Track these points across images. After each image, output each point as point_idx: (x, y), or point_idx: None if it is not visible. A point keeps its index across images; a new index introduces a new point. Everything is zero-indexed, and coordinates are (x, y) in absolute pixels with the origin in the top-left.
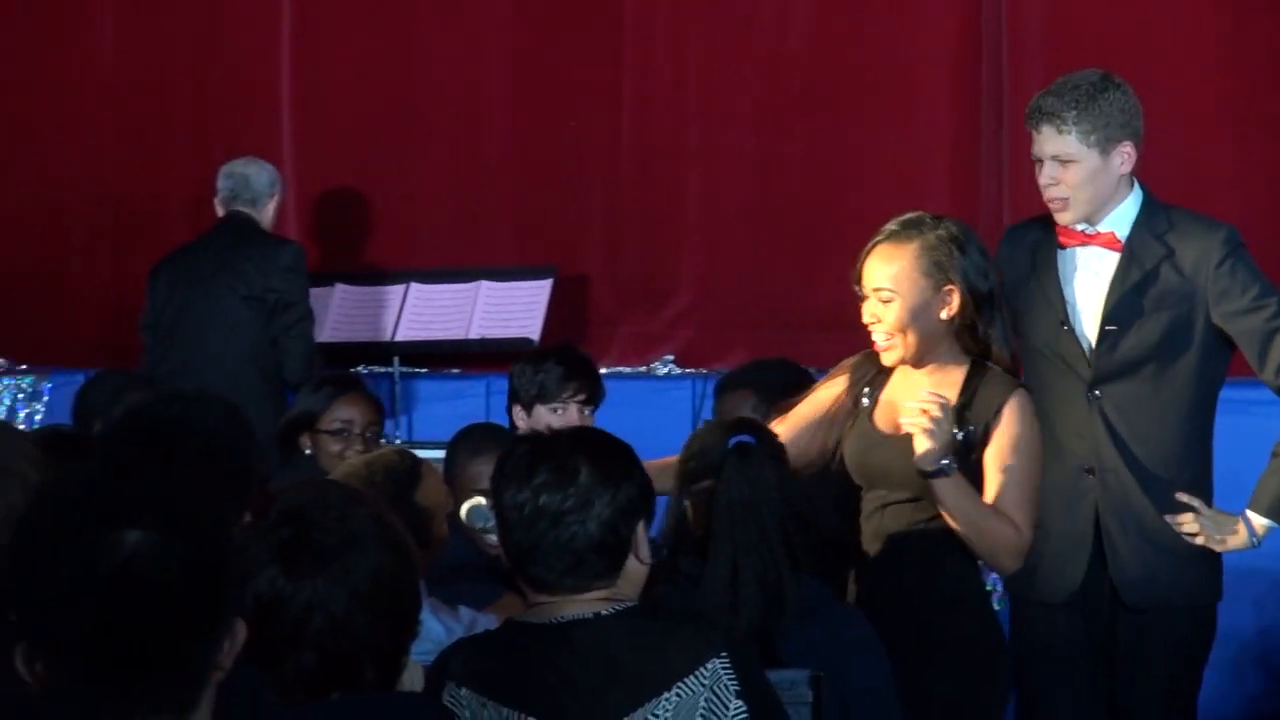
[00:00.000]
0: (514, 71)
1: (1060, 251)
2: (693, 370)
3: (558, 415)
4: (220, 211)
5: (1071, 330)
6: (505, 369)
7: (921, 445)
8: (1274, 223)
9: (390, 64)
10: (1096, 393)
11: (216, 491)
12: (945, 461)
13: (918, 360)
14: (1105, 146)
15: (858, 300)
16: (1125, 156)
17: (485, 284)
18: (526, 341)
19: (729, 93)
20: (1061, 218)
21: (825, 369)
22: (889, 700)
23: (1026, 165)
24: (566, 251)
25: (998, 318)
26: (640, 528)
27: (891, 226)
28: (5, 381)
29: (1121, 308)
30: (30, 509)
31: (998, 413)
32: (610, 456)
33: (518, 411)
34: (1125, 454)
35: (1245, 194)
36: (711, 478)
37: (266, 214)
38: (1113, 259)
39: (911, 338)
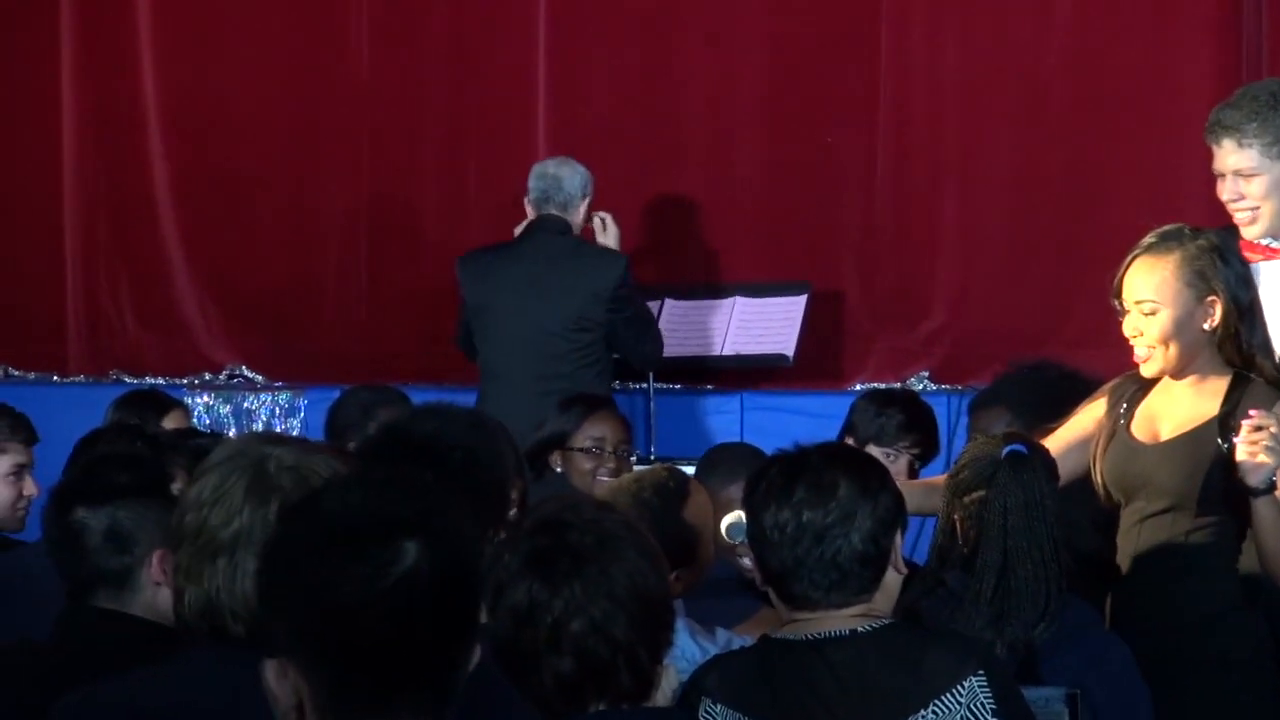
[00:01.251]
0: (769, 87)
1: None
2: (948, 386)
3: (889, 460)
4: (530, 212)
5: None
6: (759, 385)
7: (1258, 463)
8: None
9: (646, 81)
10: None
11: (473, 504)
12: (1276, 478)
13: (1178, 372)
14: None
15: (1115, 317)
16: None
17: (740, 300)
18: (781, 358)
19: (986, 106)
20: (1249, 231)
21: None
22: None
23: None
24: (821, 267)
25: (1258, 327)
26: (898, 538)
27: (1150, 239)
28: (262, 398)
29: None
30: (288, 526)
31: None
32: (865, 469)
33: (849, 443)
34: None
35: None
36: (984, 488)
37: (577, 217)
38: None
39: (1174, 349)
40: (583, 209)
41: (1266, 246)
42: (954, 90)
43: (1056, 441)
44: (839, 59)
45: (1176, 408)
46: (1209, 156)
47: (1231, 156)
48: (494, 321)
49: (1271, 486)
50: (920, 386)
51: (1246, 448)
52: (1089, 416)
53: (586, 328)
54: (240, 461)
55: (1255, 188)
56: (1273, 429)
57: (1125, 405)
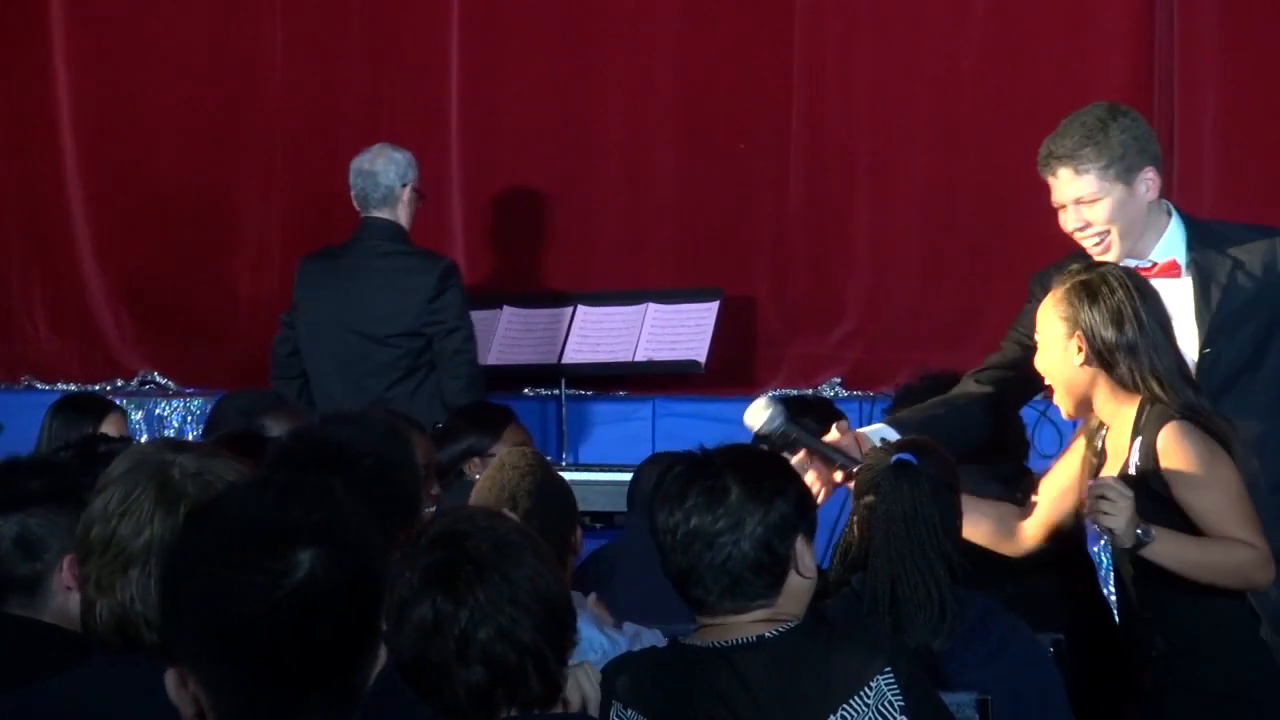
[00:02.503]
0: (682, 94)
1: None
2: (860, 392)
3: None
4: (359, 210)
5: None
6: (671, 392)
7: (1109, 532)
8: None
9: (560, 87)
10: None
11: (380, 513)
12: (1140, 531)
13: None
14: (1127, 177)
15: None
16: (1149, 183)
17: (652, 306)
18: (693, 365)
19: (899, 113)
20: (1105, 259)
21: None
22: (1060, 711)
23: (1195, 187)
24: (733, 274)
25: (1142, 354)
26: (800, 542)
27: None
28: (174, 404)
29: (1216, 330)
30: (187, 533)
31: (1156, 454)
32: (761, 473)
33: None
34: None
35: None
36: (874, 493)
37: (401, 208)
38: (1180, 287)
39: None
40: (405, 197)
41: (1137, 267)
42: (867, 97)
43: (1050, 488)
44: (753, 66)
45: (1116, 444)
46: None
47: (1069, 185)
48: (312, 330)
49: (1143, 537)
50: (832, 393)
51: (1093, 518)
52: (1076, 457)
53: (405, 339)
54: (144, 471)
55: (1099, 212)
56: (1107, 496)
57: (1100, 443)
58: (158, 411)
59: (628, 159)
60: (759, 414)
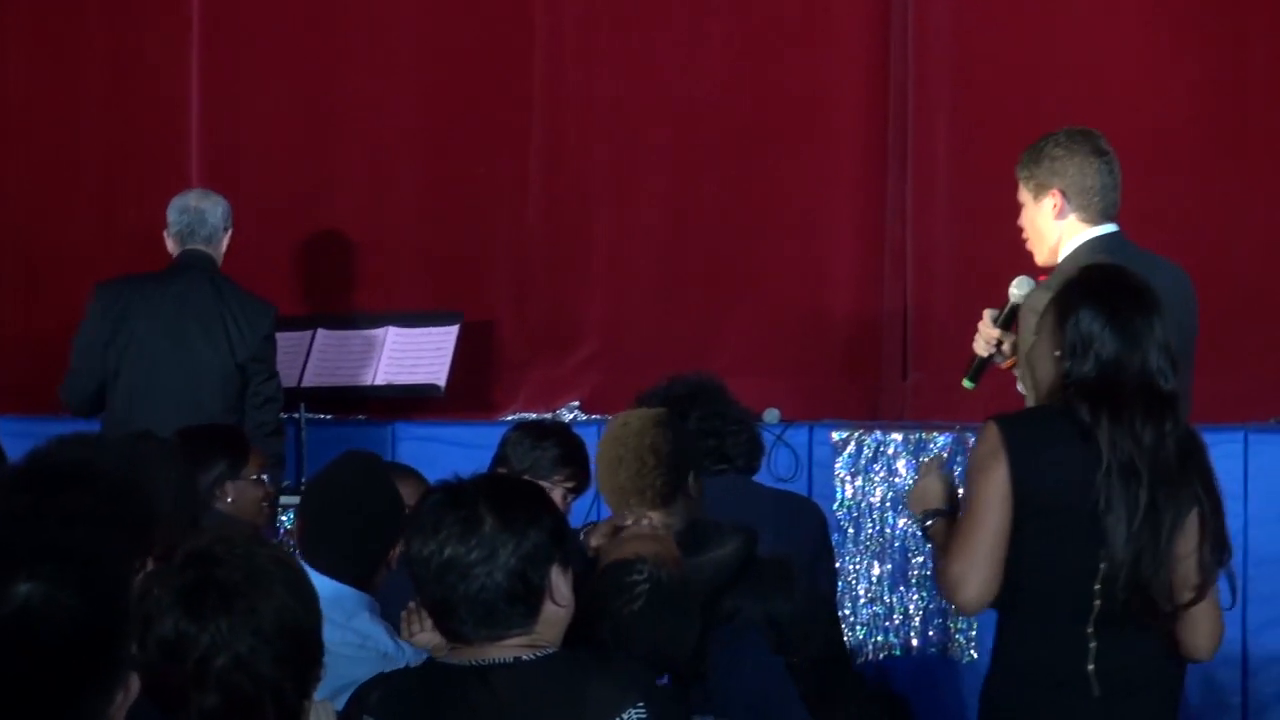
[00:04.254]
0: (423, 116)
1: None
2: (599, 416)
3: None
4: (172, 246)
5: None
6: (411, 416)
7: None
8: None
9: (300, 106)
10: None
11: (116, 538)
12: (921, 514)
13: None
14: (1038, 193)
15: (767, 346)
16: (1053, 202)
17: (392, 330)
18: (433, 388)
19: (639, 135)
20: (1035, 259)
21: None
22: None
23: (930, 209)
24: (474, 297)
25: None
26: (555, 571)
27: None
28: None
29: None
30: None
31: None
32: (515, 503)
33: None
34: None
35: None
36: None
37: (221, 249)
38: None
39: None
40: (225, 242)
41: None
42: (607, 116)
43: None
44: (491, 85)
45: None
46: (856, 187)
47: (1019, 191)
48: (134, 361)
49: (922, 522)
50: (571, 417)
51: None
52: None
53: (232, 374)
54: None
55: (1024, 219)
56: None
57: None
58: None
59: (369, 183)
60: (1022, 285)
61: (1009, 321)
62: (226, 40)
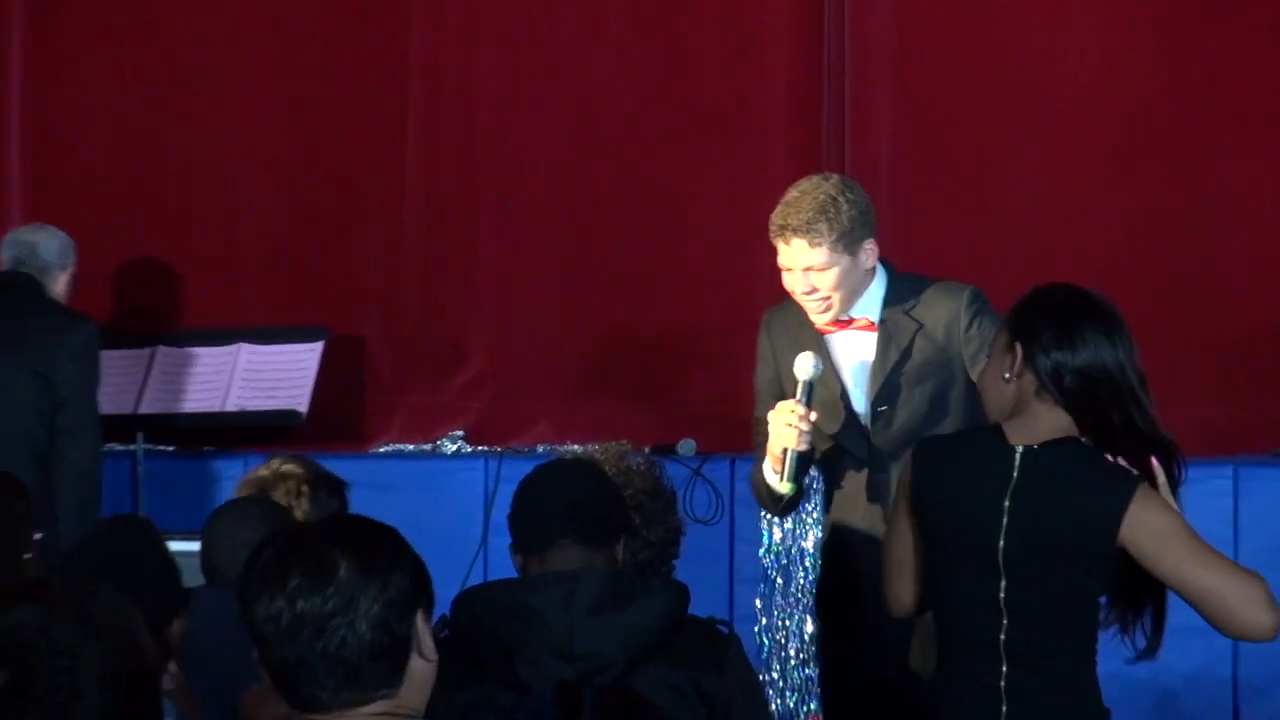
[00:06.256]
0: (288, 119)
1: (822, 336)
2: (486, 448)
3: None
4: None
5: (852, 410)
6: (268, 446)
7: None
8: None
9: (150, 107)
10: (880, 475)
11: None
12: None
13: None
14: (853, 249)
15: (678, 366)
16: (869, 252)
17: (245, 347)
18: (293, 415)
19: (525, 132)
20: (820, 319)
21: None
22: None
23: (871, 181)
24: (341, 312)
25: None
26: (420, 620)
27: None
28: None
29: (888, 389)
30: None
31: None
32: (372, 544)
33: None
34: None
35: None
36: None
37: (58, 287)
38: (872, 340)
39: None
40: (63, 281)
41: (837, 320)
42: (492, 114)
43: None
44: (364, 75)
45: None
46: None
47: (802, 255)
48: None
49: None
50: (455, 448)
51: None
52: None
53: (40, 391)
54: None
55: (827, 280)
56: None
57: None
58: None
59: (221, 182)
60: (808, 361)
61: (810, 402)
62: (49, 57)
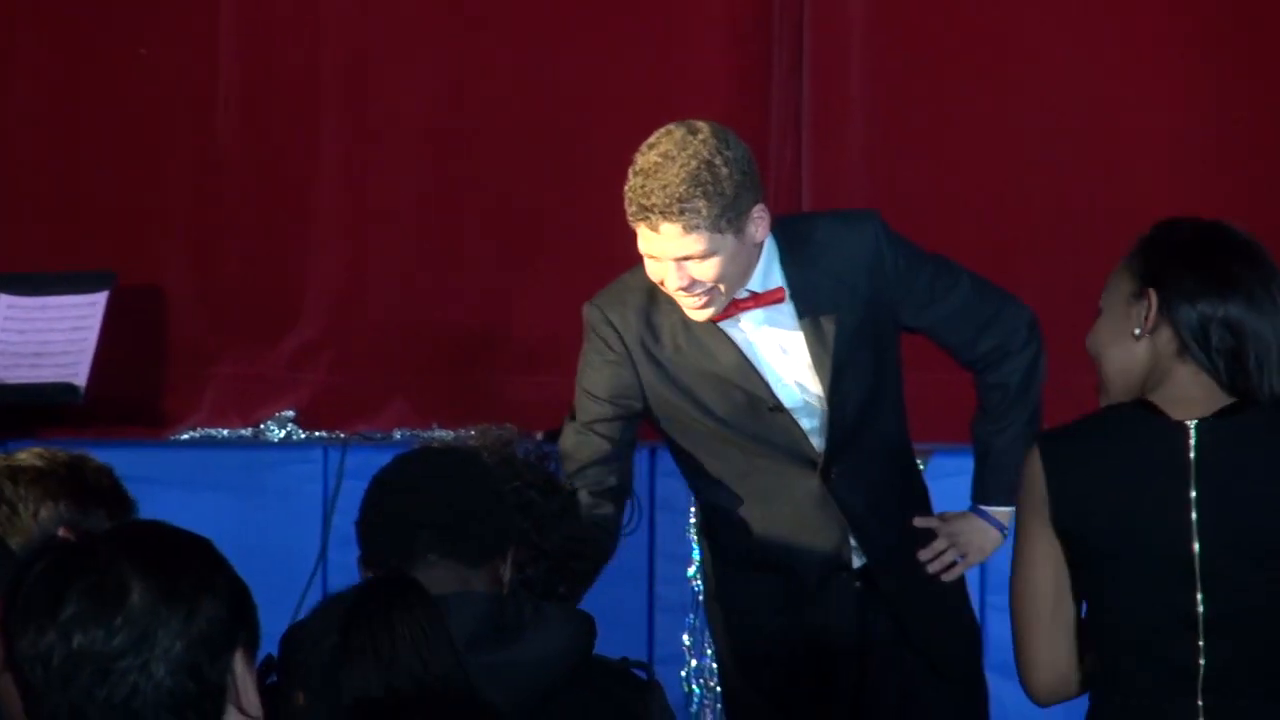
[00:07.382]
0: None
1: (714, 325)
2: (325, 434)
3: None
4: None
5: (785, 411)
6: (36, 434)
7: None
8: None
9: None
10: (832, 473)
11: None
12: None
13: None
14: (739, 224)
15: (566, 331)
16: (758, 222)
17: (6, 300)
18: (67, 389)
19: (387, 23)
20: (699, 315)
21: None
22: None
23: (839, 129)
24: (131, 252)
25: None
26: (239, 662)
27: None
28: None
29: (838, 370)
30: None
31: None
32: (175, 562)
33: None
34: (887, 543)
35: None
36: None
37: None
38: (788, 313)
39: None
40: None
41: (737, 300)
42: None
43: None
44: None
45: None
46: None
47: (674, 244)
48: None
49: None
50: (283, 433)
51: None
52: None
53: None
54: None
55: (708, 270)
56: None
57: None
58: None
59: None
60: None
61: None
62: None
